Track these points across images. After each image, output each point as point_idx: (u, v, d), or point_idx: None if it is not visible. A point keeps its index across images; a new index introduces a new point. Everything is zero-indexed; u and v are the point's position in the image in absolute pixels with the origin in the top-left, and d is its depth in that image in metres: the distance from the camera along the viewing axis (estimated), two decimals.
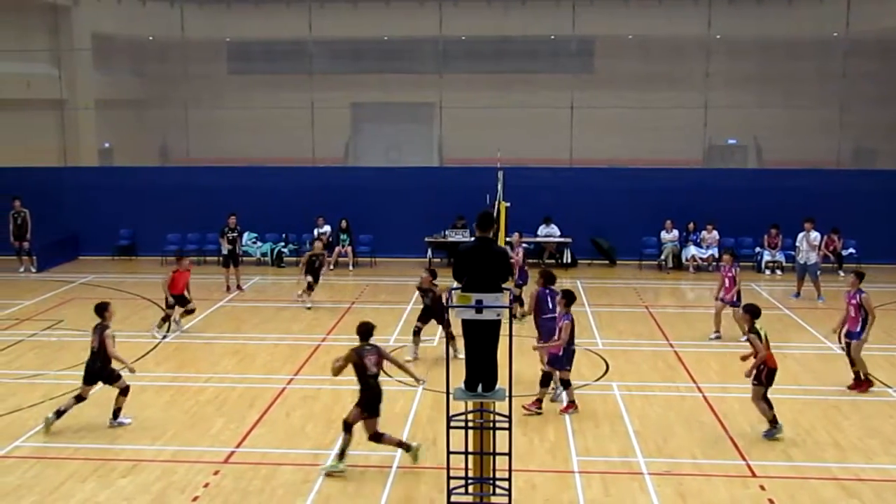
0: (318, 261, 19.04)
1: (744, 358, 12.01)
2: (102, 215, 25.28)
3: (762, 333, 11.66)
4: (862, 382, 13.47)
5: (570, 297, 12.52)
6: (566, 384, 12.64)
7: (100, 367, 11.88)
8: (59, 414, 11.80)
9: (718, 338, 16.49)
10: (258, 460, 10.96)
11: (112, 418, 12.06)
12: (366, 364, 10.39)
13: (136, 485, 10.23)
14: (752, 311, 11.92)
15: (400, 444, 10.76)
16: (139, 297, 20.20)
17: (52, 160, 26.65)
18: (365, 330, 10.65)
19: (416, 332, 15.12)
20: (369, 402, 10.42)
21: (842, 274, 22.94)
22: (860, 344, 13.47)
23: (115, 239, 25.50)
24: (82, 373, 12.04)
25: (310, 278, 18.90)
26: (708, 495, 9.97)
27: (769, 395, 11.66)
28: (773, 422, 11.55)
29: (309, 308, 18.81)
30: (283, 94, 27.39)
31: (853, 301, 13.72)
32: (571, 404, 12.59)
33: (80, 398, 11.93)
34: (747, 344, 14.76)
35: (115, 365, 11.97)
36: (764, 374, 11.56)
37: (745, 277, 22.41)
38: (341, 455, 10.51)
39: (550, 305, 12.93)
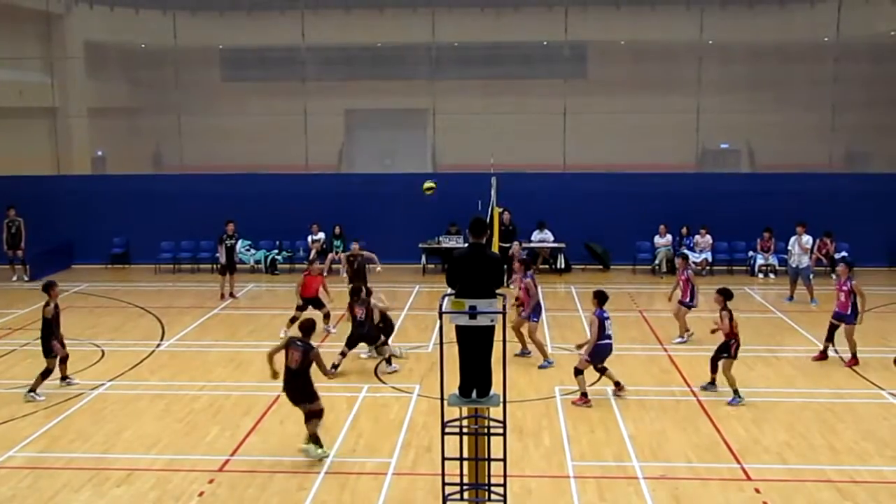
0: (356, 262, 18.46)
1: (713, 331, 13.74)
2: (96, 224, 25.24)
3: (733, 314, 13.22)
4: (852, 359, 14.95)
5: (601, 297, 13.28)
6: (577, 372, 13.17)
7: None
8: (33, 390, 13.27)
9: (684, 340, 16.72)
10: (253, 468, 10.94)
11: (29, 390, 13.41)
12: (287, 355, 11.09)
13: (130, 494, 10.20)
14: (725, 293, 13.47)
15: (315, 438, 11.12)
16: (132, 306, 20.16)
17: (44, 168, 26.59)
18: (306, 327, 11.36)
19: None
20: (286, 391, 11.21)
21: (834, 277, 22.93)
22: (853, 327, 14.90)
23: (108, 247, 25.45)
24: (77, 381, 12.03)
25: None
26: (703, 499, 9.98)
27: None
28: (736, 391, 13.03)
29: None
30: (276, 101, 27.40)
31: (844, 287, 15.02)
32: (584, 397, 13.11)
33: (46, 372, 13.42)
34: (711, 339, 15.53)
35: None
36: (734, 348, 13.05)
37: (739, 281, 22.66)
38: (315, 440, 11.10)
39: (609, 331, 13.31)
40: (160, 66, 27.97)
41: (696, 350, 16.06)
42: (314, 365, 11.11)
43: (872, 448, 11.37)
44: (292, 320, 16.65)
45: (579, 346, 13.70)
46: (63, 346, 13.95)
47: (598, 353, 13.19)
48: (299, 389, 11.05)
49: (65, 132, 27.37)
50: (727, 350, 13.11)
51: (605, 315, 13.17)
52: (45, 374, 13.60)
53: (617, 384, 13.44)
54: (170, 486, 10.37)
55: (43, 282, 14.53)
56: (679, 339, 16.73)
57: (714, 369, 13.56)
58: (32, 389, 13.49)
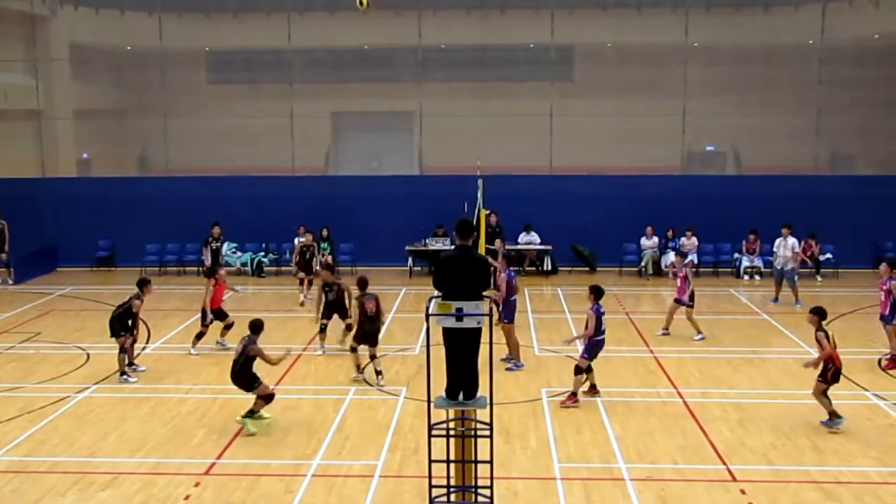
0: (308, 252, 19.84)
1: (806, 365, 12.43)
2: (81, 226, 25.13)
3: (830, 333, 12.07)
4: (890, 361, 14.93)
5: (598, 291, 13.40)
6: (577, 370, 13.20)
7: None
8: None
9: (667, 334, 17.11)
10: (239, 471, 10.90)
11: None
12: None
13: (115, 498, 10.15)
14: (820, 312, 12.36)
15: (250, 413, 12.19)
16: None
17: (29, 171, 26.44)
18: (254, 326, 12.56)
19: (322, 329, 16.09)
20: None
21: (819, 279, 23.16)
22: (894, 328, 14.84)
23: (93, 250, 25.34)
24: (60, 385, 11.99)
25: (302, 274, 20.16)
26: (689, 500, 10.01)
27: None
28: (834, 414, 12.01)
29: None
30: (262, 103, 27.32)
31: (884, 287, 14.97)
32: (573, 396, 13.18)
33: None
34: (698, 343, 16.14)
35: None
36: (830, 373, 11.96)
37: (724, 283, 22.76)
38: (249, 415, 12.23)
39: (604, 326, 13.45)
40: (146, 68, 27.84)
41: (682, 352, 16.13)
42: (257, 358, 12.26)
43: (857, 449, 11.44)
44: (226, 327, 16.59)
45: (568, 342, 14.10)
46: (127, 338, 14.67)
47: (595, 347, 13.26)
48: (240, 377, 12.38)
49: (50, 134, 27.21)
50: (823, 374, 12.02)
51: (602, 310, 13.30)
52: (123, 350, 14.60)
53: (593, 387, 13.50)
54: (155, 490, 10.32)
55: (138, 278, 15.67)
56: (699, 336, 16.88)
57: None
58: (123, 372, 14.55)
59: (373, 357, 14.28)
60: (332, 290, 15.96)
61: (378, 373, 14.20)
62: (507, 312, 15.13)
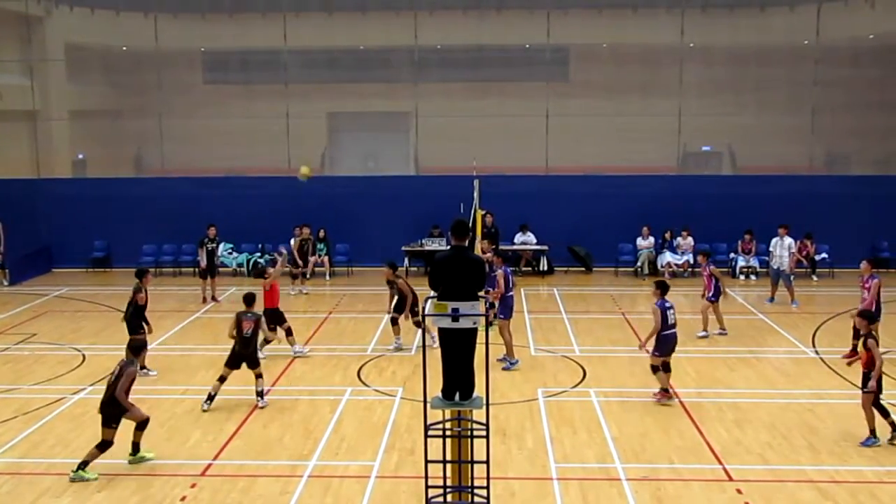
0: (306, 245, 19.92)
1: (849, 363, 12.52)
2: (76, 227, 25.09)
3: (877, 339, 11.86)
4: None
5: (663, 287, 13.37)
6: (654, 369, 13.22)
7: None
8: None
9: (706, 336, 17.04)
10: (235, 472, 10.89)
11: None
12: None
13: (111, 499, 10.13)
14: (870, 317, 12.13)
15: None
16: (114, 310, 19.98)
17: (25, 172, 26.39)
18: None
19: (394, 322, 16.22)
20: None
21: (815, 279, 23.19)
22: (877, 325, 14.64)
23: (89, 251, 25.30)
24: (56, 386, 11.94)
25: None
26: (686, 500, 10.02)
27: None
28: (873, 433, 11.48)
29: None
30: (258, 103, 27.31)
31: (867, 285, 15.19)
32: (665, 393, 13.20)
33: None
34: (702, 341, 16.37)
35: None
36: (871, 382, 11.44)
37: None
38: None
39: (672, 320, 13.22)
40: (141, 69, 27.81)
41: (679, 352, 16.07)
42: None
43: (852, 448, 11.45)
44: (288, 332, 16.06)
45: (641, 346, 13.84)
46: (144, 333, 14.66)
47: (665, 343, 13.14)
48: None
49: (45, 135, 27.16)
50: (865, 383, 11.45)
51: (668, 305, 13.14)
52: (145, 346, 14.60)
53: (664, 391, 13.24)
54: (151, 491, 10.31)
55: (136, 269, 15.70)
56: (720, 331, 17.11)
57: (883, 413, 11.59)
58: (143, 366, 14.48)
59: (258, 376, 13.29)
60: (393, 286, 16.20)
61: (259, 393, 13.35)
62: (504, 309, 15.17)
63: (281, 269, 17.97)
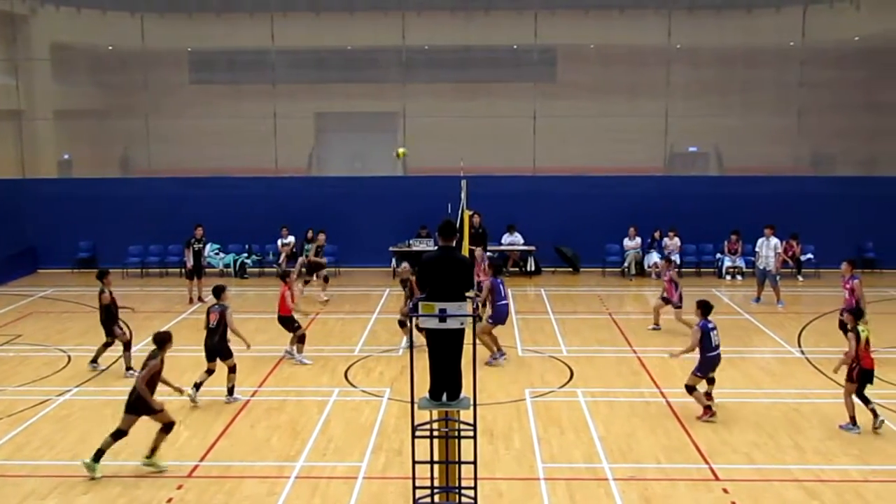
0: (320, 252, 19.96)
1: (835, 369, 12.58)
2: (62, 227, 24.95)
3: (863, 335, 12.05)
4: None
5: (705, 307, 12.79)
6: (689, 389, 12.63)
7: None
8: None
9: (658, 329, 17.51)
10: (222, 473, 10.86)
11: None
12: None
13: (97, 501, 10.08)
14: (856, 313, 12.53)
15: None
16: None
17: (10, 172, 26.23)
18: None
19: (402, 324, 16.43)
20: None
21: (800, 279, 23.31)
22: None
23: (74, 251, 25.17)
24: (41, 388, 11.87)
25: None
26: (672, 500, 10.05)
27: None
28: (854, 420, 12.02)
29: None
30: (245, 104, 27.22)
31: (847, 286, 15.49)
32: (707, 410, 12.55)
33: None
34: (648, 342, 16.34)
35: None
36: (855, 373, 11.99)
37: (707, 283, 22.89)
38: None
39: (716, 341, 12.66)
40: (128, 69, 27.68)
41: (666, 352, 16.15)
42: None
43: (838, 447, 11.53)
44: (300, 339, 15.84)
45: (674, 356, 13.30)
46: (123, 332, 15.07)
47: (708, 365, 12.59)
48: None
49: (30, 135, 26.99)
50: (850, 375, 12.07)
51: (710, 326, 12.57)
52: (106, 345, 14.94)
53: (707, 408, 12.57)
54: (138, 493, 10.27)
55: (97, 271, 15.86)
56: (653, 327, 17.46)
57: (865, 402, 12.17)
58: (129, 367, 14.70)
59: (230, 370, 13.47)
60: (407, 285, 16.23)
61: (228, 390, 13.54)
62: (495, 316, 15.17)
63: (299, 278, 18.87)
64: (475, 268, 16.40)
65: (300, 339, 15.68)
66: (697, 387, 12.68)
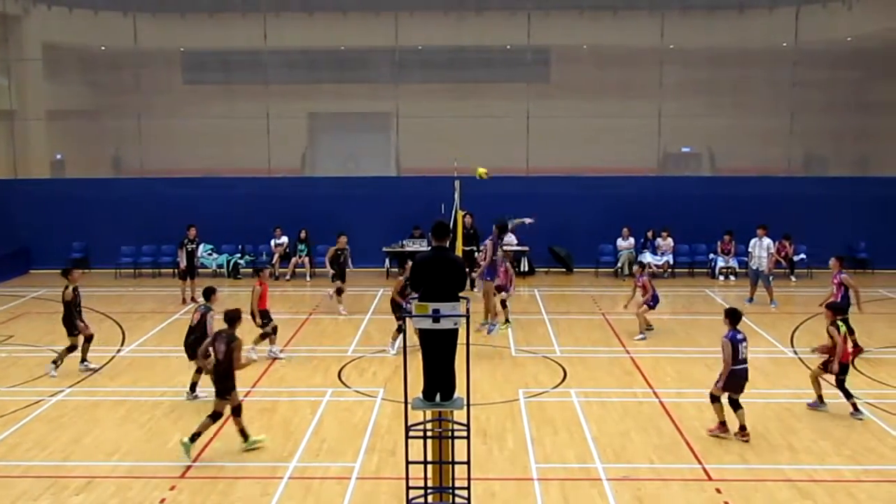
0: (342, 255, 19.32)
1: (821, 351, 13.06)
2: (54, 228, 24.87)
3: (841, 329, 12.68)
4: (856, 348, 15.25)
5: (733, 316, 12.09)
6: (713, 398, 11.94)
7: None
8: None
9: (645, 335, 17.26)
10: (215, 474, 10.83)
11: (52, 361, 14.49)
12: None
13: (90, 502, 10.05)
14: (835, 308, 13.18)
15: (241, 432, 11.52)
16: (92, 311, 19.81)
17: (2, 172, 26.16)
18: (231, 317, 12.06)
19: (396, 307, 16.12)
20: None
21: (793, 279, 23.37)
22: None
23: (67, 252, 25.03)
24: (33, 388, 11.82)
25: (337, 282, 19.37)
26: (665, 500, 10.06)
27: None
28: (821, 399, 12.89)
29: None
30: (238, 104, 27.18)
31: (835, 281, 15.70)
32: (722, 426, 11.92)
33: None
34: (681, 341, 16.65)
35: None
36: (831, 364, 12.64)
37: (700, 283, 22.94)
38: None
39: (743, 354, 11.87)
40: (120, 69, 27.65)
41: (658, 352, 16.22)
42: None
43: (829, 447, 11.55)
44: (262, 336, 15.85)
45: (717, 385, 12.03)
46: (86, 325, 15.10)
47: (733, 379, 11.80)
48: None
49: (22, 135, 26.92)
50: (825, 364, 12.75)
51: (740, 337, 11.86)
52: (70, 349, 14.84)
53: (722, 423, 11.93)
54: (130, 494, 10.24)
55: (62, 268, 15.90)
56: (640, 337, 17.14)
57: (846, 395, 12.65)
58: (55, 361, 14.73)
59: (198, 370, 13.53)
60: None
61: (192, 386, 13.67)
62: (490, 272, 15.59)
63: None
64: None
65: (264, 336, 15.75)
66: (721, 398, 11.94)
